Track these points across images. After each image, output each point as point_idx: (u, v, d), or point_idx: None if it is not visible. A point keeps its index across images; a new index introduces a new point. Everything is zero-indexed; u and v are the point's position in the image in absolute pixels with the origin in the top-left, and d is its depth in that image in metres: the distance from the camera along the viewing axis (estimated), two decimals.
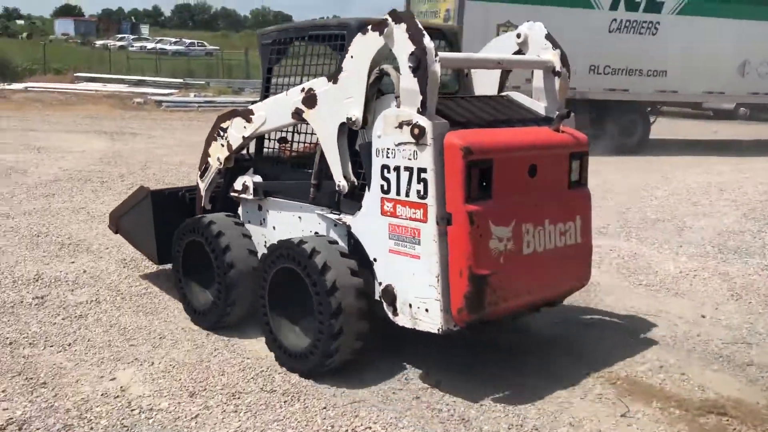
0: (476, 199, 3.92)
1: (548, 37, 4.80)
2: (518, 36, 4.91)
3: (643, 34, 16.18)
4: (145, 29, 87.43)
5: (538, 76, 4.82)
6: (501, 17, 14.80)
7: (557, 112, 4.61)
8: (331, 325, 4.19)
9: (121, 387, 4.29)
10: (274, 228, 5.12)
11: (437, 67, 3.94)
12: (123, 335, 5.09)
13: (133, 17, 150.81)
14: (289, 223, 4.98)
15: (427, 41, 3.93)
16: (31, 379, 4.36)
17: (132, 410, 4.01)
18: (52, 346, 4.87)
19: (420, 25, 3.99)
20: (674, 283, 6.69)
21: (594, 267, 7.06)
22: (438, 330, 4.01)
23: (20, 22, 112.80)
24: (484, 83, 5.16)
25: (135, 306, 5.69)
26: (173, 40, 60.52)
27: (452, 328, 4.03)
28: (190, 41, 58.49)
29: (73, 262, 6.72)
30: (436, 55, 3.96)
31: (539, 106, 4.81)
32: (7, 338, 4.96)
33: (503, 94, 5.05)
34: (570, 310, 5.89)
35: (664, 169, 13.76)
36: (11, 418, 3.89)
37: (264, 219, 5.21)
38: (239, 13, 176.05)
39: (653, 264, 7.28)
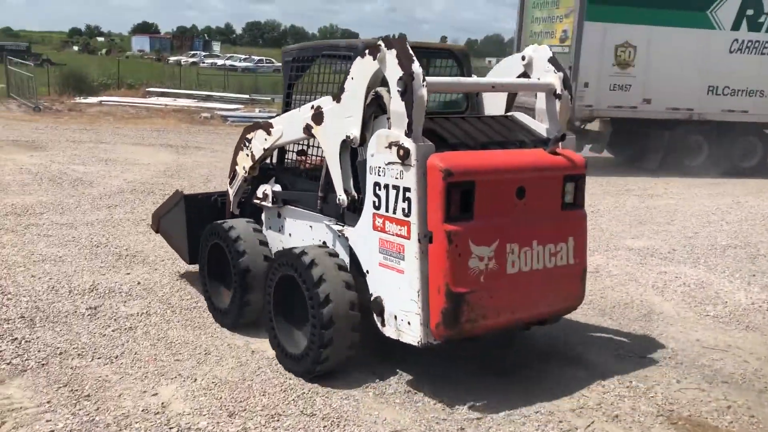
0: (456, 219, 4.04)
1: (551, 60, 4.81)
2: (523, 58, 4.95)
3: (766, 55, 15.72)
4: (216, 46, 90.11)
5: (541, 98, 4.86)
6: (619, 38, 14.74)
7: (555, 134, 4.66)
8: (321, 314, 4.38)
9: (162, 403, 4.26)
10: (290, 235, 5.45)
11: (424, 92, 4.06)
12: (169, 349, 5.08)
13: (206, 35, 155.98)
14: (302, 230, 5.29)
15: (416, 67, 4.06)
16: (76, 390, 4.38)
17: (170, 428, 3.97)
18: (99, 357, 4.90)
19: (410, 51, 4.12)
20: (745, 316, 6.29)
21: (657, 294, 6.78)
22: (418, 343, 4.17)
23: (101, 39, 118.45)
24: (494, 103, 5.26)
25: (184, 320, 5.69)
26: (242, 56, 62.17)
27: (432, 342, 4.16)
28: (258, 58, 59.87)
29: (128, 274, 6.81)
30: (424, 79, 4.07)
31: (542, 128, 4.85)
32: (58, 348, 5.01)
33: (509, 114, 5.11)
34: (629, 338, 5.59)
35: (735, 192, 13.13)
36: (53, 431, 3.89)
37: (282, 226, 5.54)
38: (307, 31, 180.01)
39: (722, 294, 6.87)
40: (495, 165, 4.29)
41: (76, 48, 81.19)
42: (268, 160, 5.69)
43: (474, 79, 5.15)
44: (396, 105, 4.12)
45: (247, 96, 27.06)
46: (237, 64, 57.26)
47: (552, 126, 4.79)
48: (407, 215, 4.11)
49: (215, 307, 5.67)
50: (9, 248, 7.45)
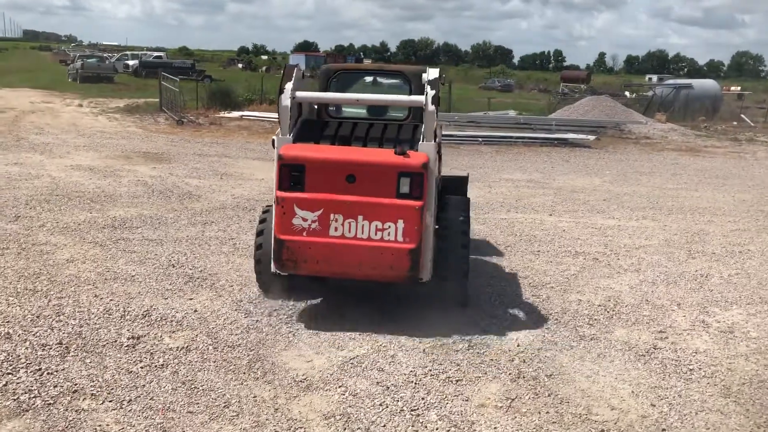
0: (286, 189, 5.61)
1: (430, 81, 5.86)
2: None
3: None
4: (367, 62, 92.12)
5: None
6: None
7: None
8: (254, 256, 6.42)
9: None
10: None
11: (287, 102, 5.83)
12: (188, 397, 4.51)
13: (361, 52, 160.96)
14: None
15: (287, 85, 5.87)
16: None
17: None
18: (111, 400, 4.42)
19: (291, 74, 5.96)
20: None
21: None
22: (273, 271, 5.99)
23: (265, 57, 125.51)
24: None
25: (221, 359, 5.12)
26: None
27: (277, 272, 5.96)
28: None
29: (191, 299, 6.41)
30: (292, 95, 5.83)
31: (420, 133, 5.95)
32: (76, 384, 4.60)
33: (418, 124, 6.27)
34: None
35: None
36: None
37: None
38: (460, 48, 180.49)
39: None
40: (325, 156, 5.68)
41: (240, 66, 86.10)
42: None
43: (341, 94, 6.65)
44: None
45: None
46: (382, 80, 57.90)
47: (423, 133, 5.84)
48: None
49: None
50: (89, 263, 7.34)
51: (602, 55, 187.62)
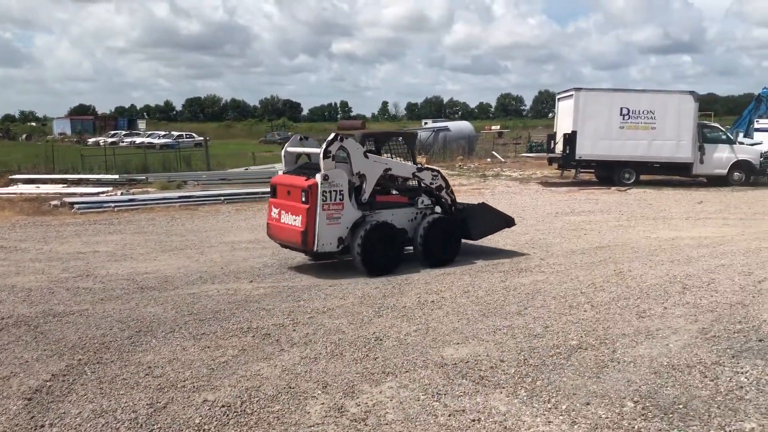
0: (272, 197, 10.97)
1: (327, 140, 10.17)
2: None
3: None
4: (141, 124, 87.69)
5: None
6: None
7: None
8: None
9: None
10: None
11: (283, 153, 11.25)
12: None
13: (145, 113, 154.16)
14: None
15: (286, 145, 11.32)
16: None
17: None
18: None
19: (289, 138, 11.82)
20: None
21: None
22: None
23: (33, 124, 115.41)
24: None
25: None
26: (162, 133, 59.90)
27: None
28: (178, 133, 57.57)
29: None
30: (285, 149, 11.23)
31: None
32: None
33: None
34: None
35: (621, 257, 10.99)
36: None
37: None
38: (248, 103, 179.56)
39: None
40: (282, 181, 10.77)
41: None
42: None
43: (302, 149, 11.19)
44: None
45: (117, 176, 24.52)
46: (156, 141, 54.91)
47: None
48: None
49: None
50: None
51: (385, 103, 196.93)
